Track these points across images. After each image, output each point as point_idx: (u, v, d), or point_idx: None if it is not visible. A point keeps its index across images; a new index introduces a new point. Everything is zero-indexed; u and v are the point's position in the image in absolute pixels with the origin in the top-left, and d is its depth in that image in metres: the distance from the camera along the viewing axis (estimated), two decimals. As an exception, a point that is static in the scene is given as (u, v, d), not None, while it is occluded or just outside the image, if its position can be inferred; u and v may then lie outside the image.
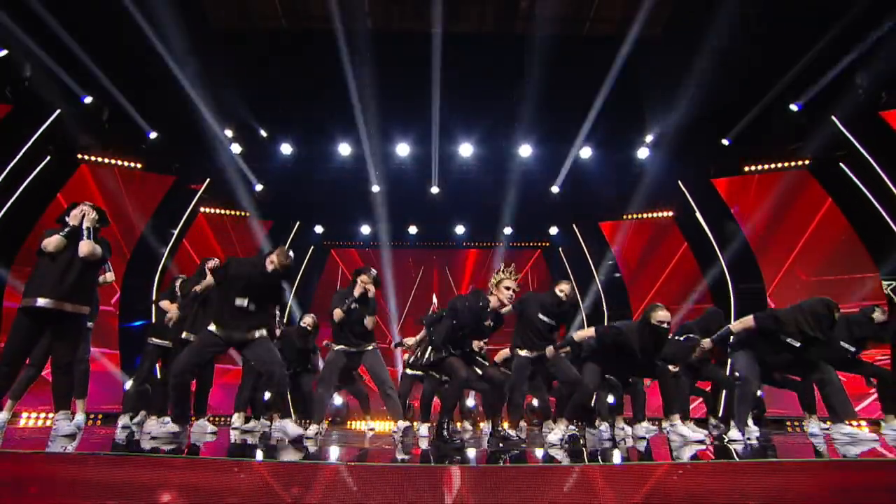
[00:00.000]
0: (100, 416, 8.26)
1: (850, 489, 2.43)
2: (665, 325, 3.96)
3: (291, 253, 3.86)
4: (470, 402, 7.24)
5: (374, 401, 6.78)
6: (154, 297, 9.15)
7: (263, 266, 3.74)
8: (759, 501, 2.37)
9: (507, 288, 3.86)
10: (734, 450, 3.55)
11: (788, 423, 7.73)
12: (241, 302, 3.69)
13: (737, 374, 4.32)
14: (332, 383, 4.70)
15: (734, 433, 4.08)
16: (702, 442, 3.83)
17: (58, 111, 7.74)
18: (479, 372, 4.07)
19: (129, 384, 8.20)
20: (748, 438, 4.64)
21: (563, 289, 4.75)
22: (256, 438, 4.56)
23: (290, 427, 3.77)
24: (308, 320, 6.14)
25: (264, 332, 3.80)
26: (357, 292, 4.52)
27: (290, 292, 10.83)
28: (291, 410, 3.96)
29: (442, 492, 2.32)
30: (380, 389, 4.60)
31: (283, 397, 3.92)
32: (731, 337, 4.34)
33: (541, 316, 4.65)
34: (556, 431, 4.06)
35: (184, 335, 4.88)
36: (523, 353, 4.68)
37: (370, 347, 4.65)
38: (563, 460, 3.05)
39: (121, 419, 5.49)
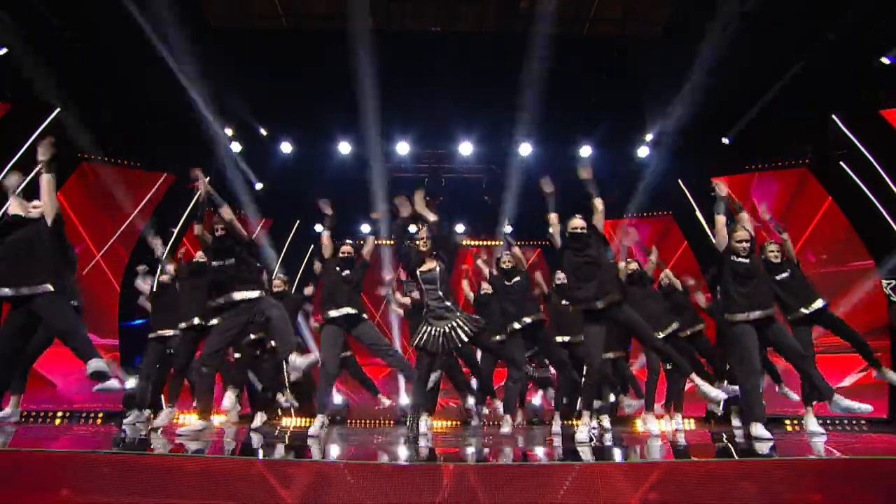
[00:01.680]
0: (100, 415, 8.27)
1: (849, 486, 2.45)
2: (579, 231, 4.20)
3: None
4: (470, 400, 7.23)
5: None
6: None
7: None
8: (758, 499, 2.39)
9: (419, 239, 4.15)
10: (742, 448, 3.55)
11: (788, 422, 7.73)
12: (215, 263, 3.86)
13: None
14: (336, 367, 4.56)
15: (757, 429, 3.82)
16: (720, 402, 3.96)
17: (57, 110, 7.73)
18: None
19: (130, 383, 8.24)
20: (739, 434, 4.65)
21: (504, 259, 5.14)
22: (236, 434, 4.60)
23: (299, 360, 3.77)
24: (276, 282, 6.00)
25: (253, 293, 3.82)
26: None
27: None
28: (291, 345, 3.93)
29: (439, 490, 2.33)
30: (379, 354, 4.54)
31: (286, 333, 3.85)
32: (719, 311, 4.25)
33: (507, 284, 5.06)
34: (583, 428, 3.93)
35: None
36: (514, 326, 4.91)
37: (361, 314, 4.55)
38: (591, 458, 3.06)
39: (128, 417, 5.57)
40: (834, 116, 8.05)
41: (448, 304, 3.98)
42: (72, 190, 8.39)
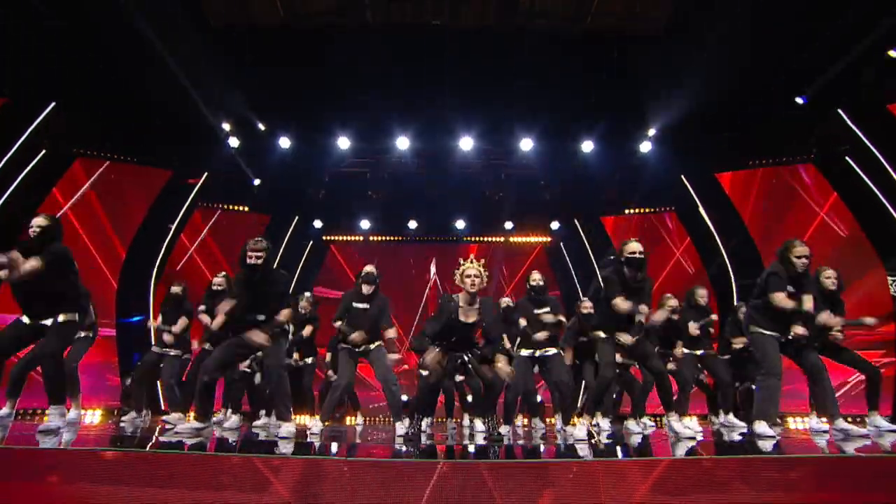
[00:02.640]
0: (99, 411, 8.25)
1: (848, 483, 2.44)
2: (639, 256, 3.88)
3: (259, 240, 3.81)
4: (469, 397, 7.20)
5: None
6: (152, 293, 9.11)
7: (245, 263, 3.74)
8: (759, 497, 2.35)
9: (468, 276, 3.93)
10: (744, 446, 3.50)
11: (790, 418, 7.69)
12: (251, 317, 3.74)
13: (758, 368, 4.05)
14: (347, 389, 4.74)
15: (761, 427, 3.77)
16: (693, 439, 3.77)
17: (52, 104, 7.65)
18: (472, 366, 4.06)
19: (128, 380, 8.20)
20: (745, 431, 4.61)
21: (534, 277, 5.03)
22: (235, 434, 4.58)
23: (284, 429, 3.77)
24: (303, 303, 6.10)
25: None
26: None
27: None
28: (290, 411, 3.92)
29: (437, 486, 2.30)
30: (384, 387, 4.62)
31: (280, 397, 3.86)
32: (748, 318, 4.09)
33: (536, 312, 4.89)
34: (581, 427, 3.95)
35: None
36: (524, 352, 4.86)
37: (375, 346, 4.66)
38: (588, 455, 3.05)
39: (126, 415, 5.72)
40: (840, 111, 7.95)
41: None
42: (67, 185, 8.32)
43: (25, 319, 3.64)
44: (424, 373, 5.62)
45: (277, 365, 3.78)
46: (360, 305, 4.69)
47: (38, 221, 3.67)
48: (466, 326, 3.93)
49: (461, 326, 3.91)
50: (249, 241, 3.80)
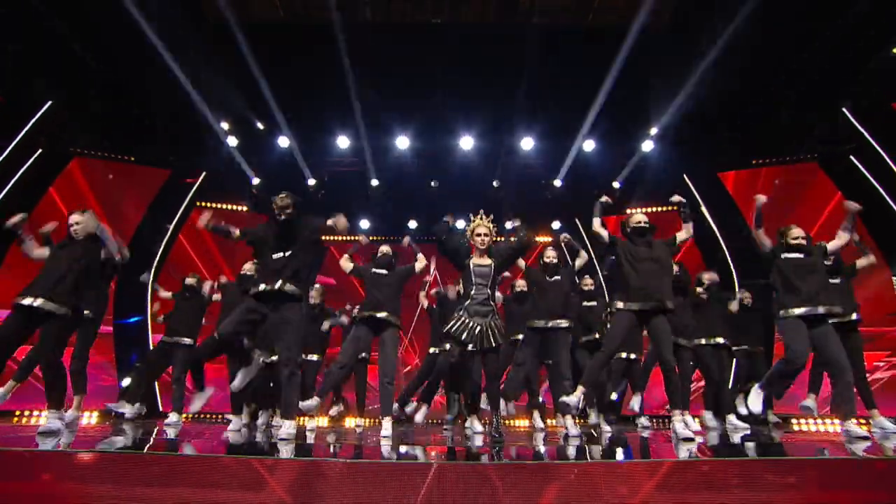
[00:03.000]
0: (96, 413, 8.17)
1: (850, 484, 2.42)
2: (643, 224, 4.07)
3: (284, 195, 3.90)
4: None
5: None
6: (150, 293, 9.04)
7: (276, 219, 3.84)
8: (758, 498, 2.31)
9: (478, 235, 4.06)
10: (746, 447, 3.45)
11: (795, 421, 7.62)
12: (277, 254, 3.76)
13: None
14: (350, 362, 4.60)
15: (753, 399, 3.85)
16: (691, 440, 3.71)
17: (49, 103, 7.61)
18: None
19: (126, 381, 8.14)
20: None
21: (549, 255, 5.11)
22: (245, 435, 4.53)
23: (284, 430, 3.68)
24: (312, 293, 6.03)
25: (293, 288, 3.70)
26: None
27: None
28: (296, 411, 3.84)
29: (435, 488, 2.28)
30: (379, 379, 4.50)
31: (290, 393, 3.74)
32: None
33: (549, 279, 4.96)
34: (572, 397, 3.97)
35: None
36: (536, 323, 4.82)
37: (394, 320, 4.52)
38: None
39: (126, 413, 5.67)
40: (844, 110, 7.88)
41: (492, 303, 3.99)
42: (64, 185, 8.27)
43: (27, 301, 3.51)
44: (434, 350, 5.61)
45: (293, 359, 3.66)
46: (380, 271, 4.73)
47: (78, 219, 3.74)
48: (484, 268, 4.02)
49: (479, 269, 4.01)
50: (276, 199, 3.88)
